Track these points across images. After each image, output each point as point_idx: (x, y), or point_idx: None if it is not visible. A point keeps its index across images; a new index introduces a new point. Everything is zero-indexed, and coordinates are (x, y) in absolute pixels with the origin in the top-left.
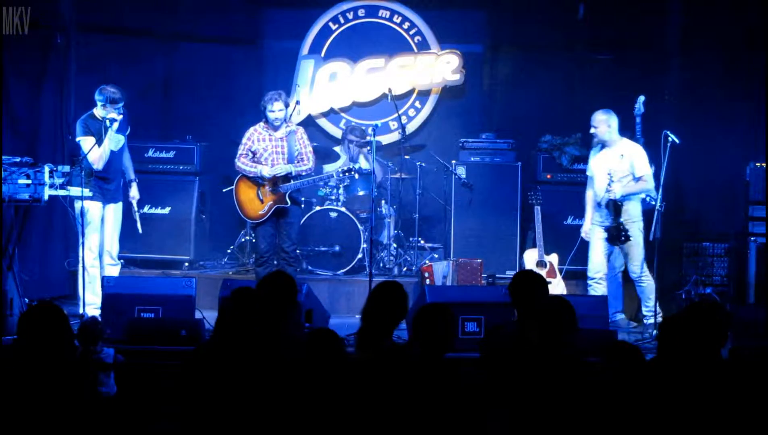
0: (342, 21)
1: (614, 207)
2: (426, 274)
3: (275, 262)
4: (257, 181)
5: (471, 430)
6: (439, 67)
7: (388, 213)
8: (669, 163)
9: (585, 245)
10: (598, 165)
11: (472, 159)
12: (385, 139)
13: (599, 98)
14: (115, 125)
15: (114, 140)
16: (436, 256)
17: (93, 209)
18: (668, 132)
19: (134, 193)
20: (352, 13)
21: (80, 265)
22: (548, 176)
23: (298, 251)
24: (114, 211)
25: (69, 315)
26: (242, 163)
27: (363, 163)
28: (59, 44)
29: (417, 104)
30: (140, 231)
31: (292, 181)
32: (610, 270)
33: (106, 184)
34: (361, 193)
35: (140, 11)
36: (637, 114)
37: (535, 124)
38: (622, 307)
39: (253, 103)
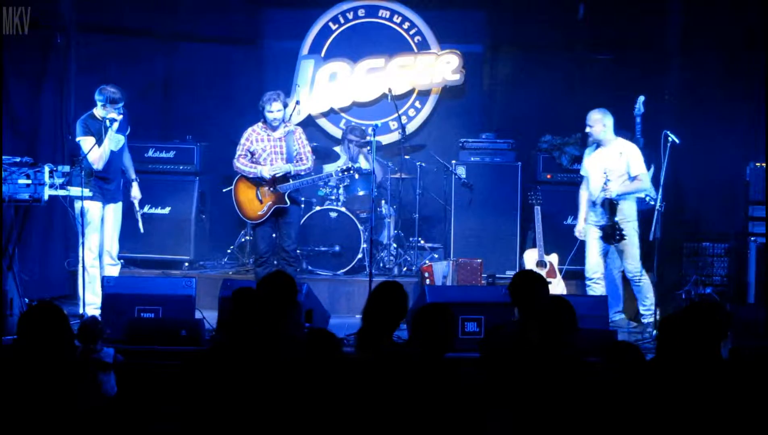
0: (342, 21)
1: (610, 206)
2: (426, 274)
3: (275, 262)
4: (256, 181)
5: (471, 430)
6: (439, 67)
7: (388, 213)
8: (669, 163)
9: (584, 245)
10: (593, 164)
11: (472, 159)
12: (385, 139)
13: (599, 98)
14: (115, 125)
15: (114, 140)
16: (436, 256)
17: (93, 209)
18: (668, 132)
19: (136, 192)
20: (352, 13)
21: (80, 265)
22: (548, 176)
23: (298, 251)
24: (114, 211)
25: (69, 315)
26: (241, 163)
27: (363, 163)
28: (59, 44)
29: (417, 104)
30: (142, 230)
31: (291, 181)
32: (610, 270)
33: (106, 184)
34: (361, 193)
35: (140, 11)
36: (637, 114)
37: (535, 124)
38: (622, 307)
39: (253, 103)
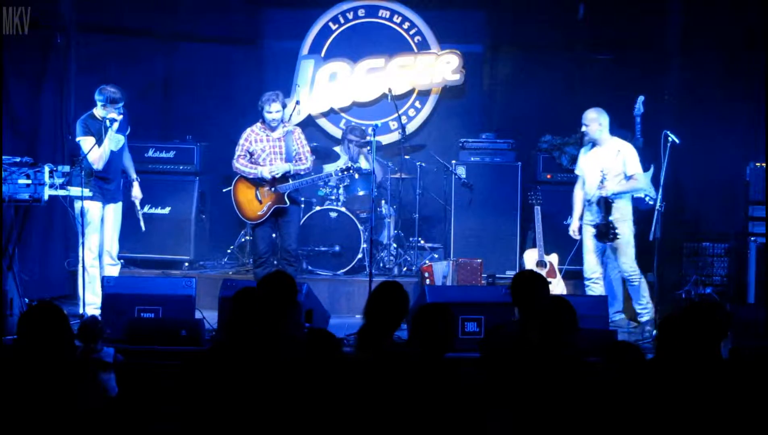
0: (342, 21)
1: (605, 204)
2: (426, 274)
3: (274, 263)
4: (256, 181)
5: (471, 430)
6: (439, 67)
7: (388, 213)
8: (669, 163)
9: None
10: (588, 163)
11: (472, 159)
12: (385, 139)
13: (599, 98)
14: (115, 125)
15: (114, 140)
16: (436, 256)
17: (93, 209)
18: (668, 132)
19: (136, 192)
20: (352, 13)
21: (80, 265)
22: (548, 176)
23: (299, 251)
24: (114, 211)
25: (69, 315)
26: (241, 164)
27: (363, 163)
28: (59, 44)
29: (417, 104)
30: (144, 229)
31: (290, 181)
32: (609, 270)
33: (106, 184)
34: (361, 193)
35: (140, 11)
36: (637, 114)
37: (535, 124)
38: (622, 307)
39: (253, 103)
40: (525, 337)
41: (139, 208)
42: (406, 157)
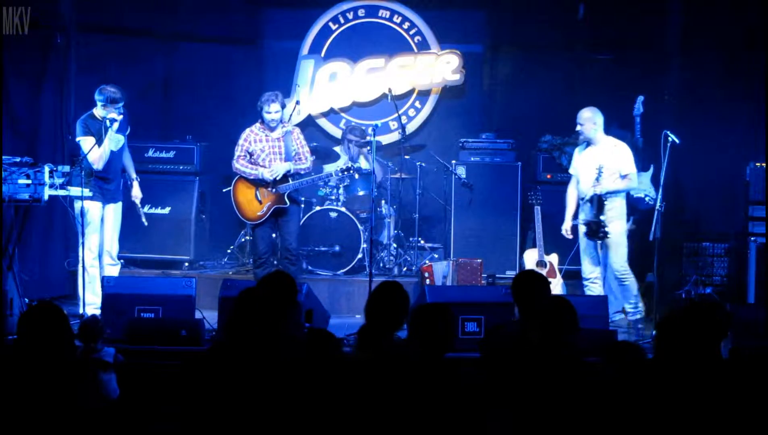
0: (342, 21)
1: (598, 202)
2: (426, 274)
3: (274, 262)
4: (256, 181)
5: (471, 430)
6: (439, 67)
7: (388, 213)
8: (669, 163)
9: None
10: (583, 162)
11: (472, 159)
12: (385, 139)
13: (599, 98)
14: (115, 125)
15: (114, 140)
16: (436, 256)
17: (93, 209)
18: (668, 132)
19: (136, 192)
20: (352, 13)
21: (80, 265)
22: (548, 176)
23: (300, 251)
24: (114, 211)
25: (69, 315)
26: (241, 165)
27: (363, 163)
28: (59, 44)
29: (417, 104)
30: (146, 223)
31: (290, 181)
32: (611, 270)
33: (106, 184)
34: (361, 193)
35: (140, 11)
36: (637, 114)
37: (535, 124)
38: (623, 308)
39: (253, 103)
40: (525, 337)
41: (140, 206)
42: (406, 157)
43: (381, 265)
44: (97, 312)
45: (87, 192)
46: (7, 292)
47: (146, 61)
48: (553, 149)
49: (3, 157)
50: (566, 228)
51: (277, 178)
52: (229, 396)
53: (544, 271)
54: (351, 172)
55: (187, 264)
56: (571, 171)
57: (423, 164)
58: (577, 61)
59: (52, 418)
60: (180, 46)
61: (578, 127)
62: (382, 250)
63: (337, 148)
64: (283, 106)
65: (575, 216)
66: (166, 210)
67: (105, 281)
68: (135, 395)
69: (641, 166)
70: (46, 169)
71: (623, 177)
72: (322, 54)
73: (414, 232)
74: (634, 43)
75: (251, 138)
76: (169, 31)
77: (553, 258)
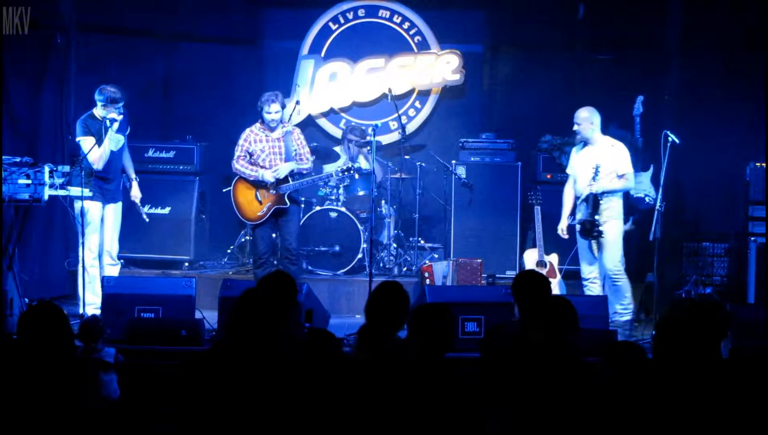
0: (342, 21)
1: (593, 201)
2: (426, 274)
3: (274, 262)
4: (256, 182)
5: (471, 430)
6: (439, 67)
7: (388, 213)
8: (669, 163)
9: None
10: (581, 162)
11: (472, 159)
12: (385, 139)
13: (599, 98)
14: (115, 125)
15: (114, 140)
16: (436, 256)
17: (93, 209)
18: (668, 132)
19: (136, 192)
20: (352, 13)
21: (80, 265)
22: (548, 176)
23: (300, 251)
24: (114, 211)
25: (69, 315)
26: (240, 165)
27: (363, 163)
28: (59, 44)
29: (417, 104)
30: (146, 220)
31: (291, 182)
32: (602, 270)
33: (106, 184)
34: (361, 193)
35: (140, 11)
36: (636, 114)
37: (535, 124)
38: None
39: (253, 103)
40: (525, 337)
41: (140, 205)
42: (406, 157)
43: (381, 265)
44: (97, 312)
45: (87, 192)
46: (7, 292)
47: (146, 61)
48: (553, 149)
49: (3, 157)
50: (562, 227)
51: (279, 178)
52: (229, 396)
53: (544, 271)
54: (351, 172)
55: (187, 264)
56: (568, 171)
57: (423, 164)
58: (577, 61)
59: (52, 418)
60: (180, 46)
61: (575, 127)
62: (382, 250)
63: (337, 148)
64: (283, 107)
65: (572, 216)
66: (166, 210)
67: (105, 281)
68: (135, 395)
69: (641, 166)
70: (46, 169)
71: (620, 177)
72: (322, 54)
73: (414, 232)
74: (634, 43)
75: (251, 138)
76: (169, 31)
77: (553, 258)
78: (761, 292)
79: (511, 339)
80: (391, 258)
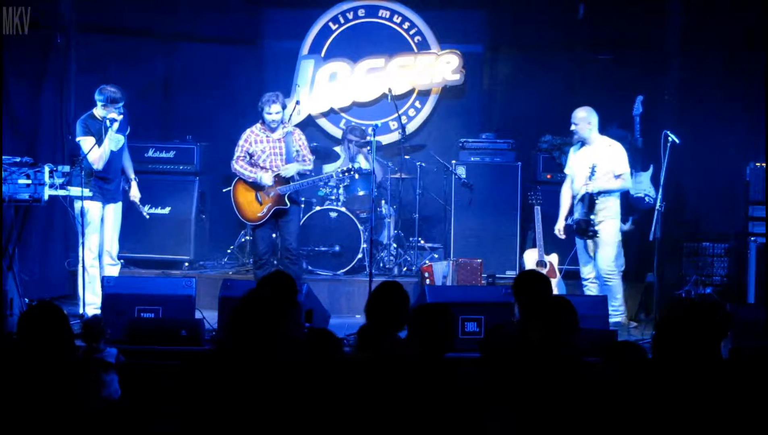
0: (342, 21)
1: (589, 201)
2: (426, 274)
3: (274, 262)
4: (255, 184)
5: (471, 430)
6: (439, 67)
7: (388, 213)
8: (669, 163)
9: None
10: (578, 162)
11: (472, 159)
12: (385, 139)
13: (599, 98)
14: (115, 125)
15: (114, 140)
16: (436, 256)
17: (93, 209)
18: (668, 132)
19: (135, 192)
20: (352, 13)
21: (80, 265)
22: (548, 176)
23: (300, 251)
24: (114, 211)
25: (69, 315)
26: (239, 166)
27: (363, 163)
28: (59, 44)
29: (417, 104)
30: (147, 217)
31: (291, 183)
32: (596, 269)
33: (106, 184)
34: (361, 193)
35: (140, 11)
36: (636, 114)
37: (535, 124)
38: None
39: (253, 103)
40: (525, 337)
41: (139, 204)
42: (406, 157)
43: (381, 265)
44: (97, 312)
45: (87, 192)
46: (7, 292)
47: (146, 61)
48: (553, 149)
49: (3, 157)
50: (559, 228)
51: (286, 177)
52: (229, 396)
53: (544, 271)
54: (351, 173)
55: (187, 264)
56: (566, 171)
57: (423, 164)
58: (577, 61)
59: (52, 418)
60: (180, 46)
61: (573, 127)
62: (382, 250)
63: (337, 148)
64: (284, 107)
65: (571, 216)
66: (166, 210)
67: (105, 281)
68: (135, 395)
69: (641, 166)
70: (46, 169)
71: (617, 177)
72: (322, 54)
73: (414, 232)
74: (634, 43)
75: (251, 138)
76: (169, 31)
77: (553, 258)
78: (761, 292)
79: (511, 339)
80: (391, 258)
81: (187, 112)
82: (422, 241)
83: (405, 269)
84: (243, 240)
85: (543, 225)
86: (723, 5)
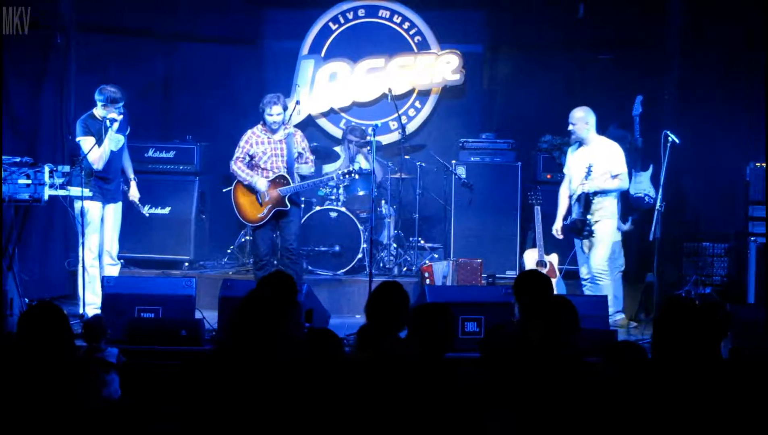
0: (342, 21)
1: (585, 201)
2: (426, 274)
3: (275, 262)
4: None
5: (471, 430)
6: (439, 67)
7: (388, 213)
8: (669, 163)
9: None
10: (575, 162)
11: (472, 159)
12: (385, 139)
13: (599, 98)
14: (115, 125)
15: (114, 140)
16: (436, 256)
17: (93, 209)
18: (668, 132)
19: (134, 192)
20: (352, 13)
21: (80, 265)
22: (548, 176)
23: (300, 251)
24: (114, 211)
25: (69, 315)
26: (237, 167)
27: (363, 163)
28: (59, 44)
29: (417, 104)
30: (146, 215)
31: (292, 184)
32: (611, 271)
33: (106, 184)
34: (361, 193)
35: (140, 11)
36: (636, 114)
37: (535, 124)
38: (623, 307)
39: (253, 103)
40: (525, 337)
41: (138, 204)
42: (406, 157)
43: (381, 265)
44: (98, 312)
45: (87, 192)
46: (7, 292)
47: (146, 61)
48: (553, 149)
49: (3, 157)
50: (557, 228)
51: (277, 181)
52: (229, 396)
53: (544, 271)
54: (352, 175)
55: (187, 264)
56: (565, 171)
57: (423, 164)
58: (577, 61)
59: (52, 418)
60: (180, 46)
61: (570, 127)
62: (382, 250)
63: (337, 148)
64: (285, 109)
65: (568, 216)
66: (166, 210)
67: (105, 281)
68: (135, 395)
69: (641, 166)
70: (46, 169)
71: (614, 177)
72: (322, 54)
73: (414, 232)
74: (634, 43)
75: (252, 140)
76: (169, 31)
77: (553, 258)
78: (761, 292)
79: (511, 339)
80: (391, 258)
81: (187, 112)
82: (422, 241)
83: (405, 269)
84: (243, 240)
85: (543, 225)
86: (723, 5)
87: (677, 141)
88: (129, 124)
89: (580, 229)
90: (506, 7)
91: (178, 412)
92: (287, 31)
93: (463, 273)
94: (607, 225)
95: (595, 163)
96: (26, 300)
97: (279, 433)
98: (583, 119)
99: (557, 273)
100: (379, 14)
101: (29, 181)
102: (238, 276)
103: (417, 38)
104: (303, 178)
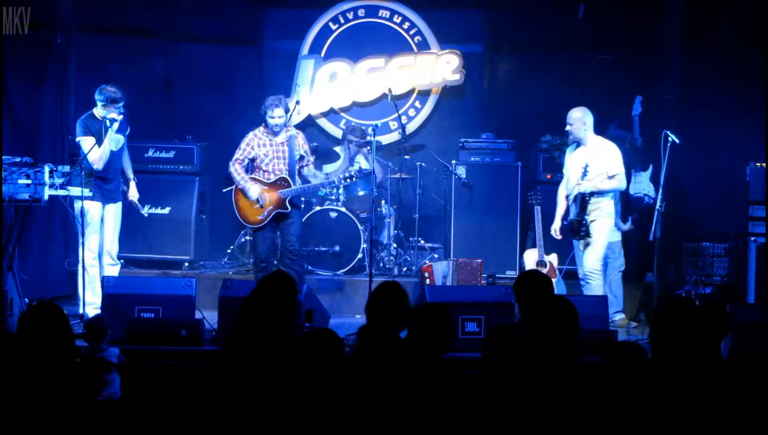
0: (342, 21)
1: (581, 201)
2: (426, 274)
3: (275, 263)
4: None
5: (471, 430)
6: (439, 67)
7: (388, 213)
8: (669, 163)
9: None
10: (573, 163)
11: (472, 159)
12: (385, 139)
13: (599, 98)
14: (115, 125)
15: (114, 140)
16: (436, 256)
17: (93, 209)
18: (668, 132)
19: (133, 192)
20: (352, 13)
21: (80, 265)
22: (548, 176)
23: (302, 251)
24: (114, 211)
25: (69, 315)
26: (235, 169)
27: (363, 163)
28: (59, 44)
29: (417, 104)
30: (146, 215)
31: (293, 187)
32: (611, 270)
33: (106, 184)
34: (361, 193)
35: (140, 11)
36: (635, 114)
37: (535, 124)
38: (623, 307)
39: (254, 103)
40: (526, 337)
41: (138, 204)
42: (406, 157)
43: (381, 265)
44: (98, 312)
45: (87, 192)
46: (7, 292)
47: (146, 61)
48: (553, 149)
49: (3, 157)
50: (555, 228)
51: (277, 182)
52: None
53: (544, 271)
54: (353, 179)
55: (187, 264)
56: (563, 171)
57: (423, 164)
58: (577, 61)
59: (52, 418)
60: (180, 46)
61: (568, 127)
62: (382, 250)
63: (337, 148)
64: (287, 111)
65: (566, 216)
66: (166, 210)
67: (105, 281)
68: (135, 395)
69: (641, 166)
70: (46, 169)
71: (611, 177)
72: (322, 54)
73: (414, 232)
74: (634, 43)
75: (254, 142)
76: (169, 31)
77: (553, 258)
78: (761, 292)
79: (512, 339)
80: (391, 258)
81: (187, 112)
82: (422, 241)
83: (405, 269)
84: (243, 240)
85: (543, 225)
86: (723, 5)
87: (677, 141)
88: (129, 124)
89: (576, 229)
90: (506, 7)
91: (178, 412)
92: (287, 31)
93: (463, 273)
94: (603, 225)
95: (592, 163)
96: (26, 300)
97: (279, 433)
98: (580, 119)
99: (557, 273)
100: (379, 14)
101: (29, 181)
102: (238, 276)
103: (417, 38)
104: (304, 181)
